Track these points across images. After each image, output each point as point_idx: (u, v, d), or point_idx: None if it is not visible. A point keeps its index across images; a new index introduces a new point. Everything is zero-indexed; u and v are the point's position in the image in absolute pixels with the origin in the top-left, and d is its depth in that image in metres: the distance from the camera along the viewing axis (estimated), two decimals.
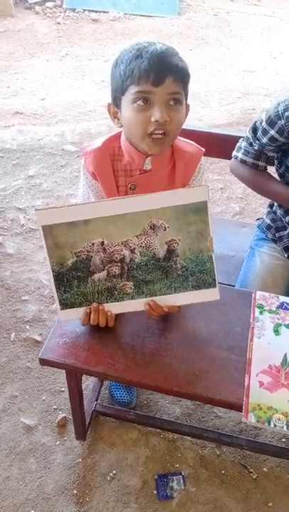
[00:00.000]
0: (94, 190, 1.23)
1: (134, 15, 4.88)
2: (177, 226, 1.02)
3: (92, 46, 4.32)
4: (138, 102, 1.05)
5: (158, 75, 1.02)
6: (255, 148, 1.40)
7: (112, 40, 4.43)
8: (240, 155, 1.44)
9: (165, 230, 1.02)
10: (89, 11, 4.84)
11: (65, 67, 3.96)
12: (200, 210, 1.00)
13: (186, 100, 1.13)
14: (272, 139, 1.34)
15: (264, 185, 1.44)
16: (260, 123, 1.36)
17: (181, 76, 1.06)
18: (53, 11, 4.83)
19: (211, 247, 1.04)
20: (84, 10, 4.84)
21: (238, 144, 1.46)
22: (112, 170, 1.20)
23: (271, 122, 1.32)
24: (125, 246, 1.03)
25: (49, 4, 4.88)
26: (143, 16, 4.89)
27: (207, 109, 3.44)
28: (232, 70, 4.05)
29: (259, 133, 1.37)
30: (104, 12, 4.85)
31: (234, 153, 1.47)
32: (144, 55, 1.02)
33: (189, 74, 1.09)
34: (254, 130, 1.40)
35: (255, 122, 1.39)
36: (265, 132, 1.34)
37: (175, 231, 1.02)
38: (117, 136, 1.20)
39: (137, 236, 1.03)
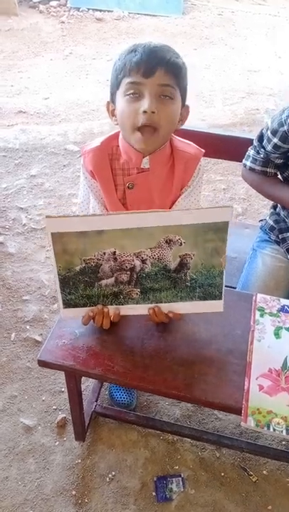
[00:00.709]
0: (93, 190, 1.23)
1: (138, 14, 4.88)
2: (194, 242, 0.99)
3: (96, 45, 4.31)
4: (129, 94, 1.07)
5: (148, 66, 1.04)
6: (262, 156, 1.41)
7: (117, 39, 4.43)
8: (248, 163, 1.46)
9: (181, 245, 0.99)
10: (93, 10, 4.84)
11: (69, 66, 3.96)
12: (220, 229, 0.97)
13: (184, 101, 1.13)
14: (275, 146, 1.34)
15: (273, 191, 1.44)
16: (266, 130, 1.37)
17: (173, 69, 1.07)
18: (57, 9, 4.83)
19: (224, 263, 1.02)
20: (88, 9, 4.84)
21: (247, 152, 1.47)
22: (110, 169, 1.20)
23: (274, 130, 1.33)
24: (137, 257, 1.01)
25: (53, 3, 4.89)
26: (147, 15, 4.88)
27: (211, 108, 3.43)
28: (236, 69, 4.04)
29: (265, 141, 1.38)
30: (108, 11, 4.84)
31: (243, 161, 1.48)
32: (137, 49, 1.06)
33: (183, 68, 1.10)
34: (260, 138, 1.40)
35: (262, 130, 1.40)
36: (269, 140, 1.35)
37: (190, 247, 1.00)
38: (116, 135, 1.20)
39: (150, 248, 1.00)
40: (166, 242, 0.99)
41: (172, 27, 4.73)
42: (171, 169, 1.21)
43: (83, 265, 1.01)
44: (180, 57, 1.10)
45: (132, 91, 1.07)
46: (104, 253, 0.99)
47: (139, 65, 1.04)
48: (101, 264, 1.01)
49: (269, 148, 1.36)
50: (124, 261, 1.00)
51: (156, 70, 1.04)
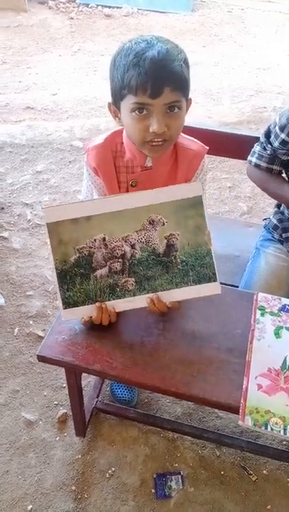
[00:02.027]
0: (96, 186, 1.23)
1: (147, 10, 4.87)
2: (176, 221, 1.05)
3: (105, 42, 4.31)
4: (136, 112, 1.03)
5: (155, 86, 0.99)
6: (268, 152, 1.39)
7: (125, 35, 4.41)
8: (254, 159, 1.44)
9: (164, 224, 1.05)
10: (102, 6, 4.84)
11: (78, 62, 3.97)
12: (196, 204, 1.04)
13: (188, 96, 1.10)
14: (283, 142, 1.33)
15: (277, 190, 1.42)
16: (274, 126, 1.36)
17: (180, 84, 1.02)
18: (66, 6, 4.83)
19: (209, 240, 1.06)
20: (97, 5, 4.84)
21: (252, 149, 1.46)
22: (114, 166, 1.19)
23: (282, 126, 1.32)
24: (126, 242, 1.06)
25: None
26: (156, 11, 4.87)
27: (218, 106, 3.41)
28: (245, 67, 4.02)
29: (272, 137, 1.36)
30: (117, 7, 4.84)
31: (249, 158, 1.47)
32: (141, 64, 0.98)
33: (187, 77, 1.05)
34: (267, 134, 1.39)
35: (269, 126, 1.38)
36: (277, 136, 1.34)
37: (174, 226, 1.05)
38: (120, 131, 1.19)
39: (136, 231, 1.05)
40: (150, 223, 1.05)
41: (181, 24, 4.71)
42: (174, 166, 1.20)
43: (77, 255, 1.05)
44: (183, 54, 1.04)
45: (138, 110, 1.03)
46: (95, 240, 1.05)
47: (145, 85, 0.98)
48: (94, 253, 1.06)
49: (276, 144, 1.35)
50: (114, 247, 1.06)
51: (164, 90, 0.99)
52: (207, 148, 1.22)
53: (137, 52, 0.99)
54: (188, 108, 1.12)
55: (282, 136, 1.32)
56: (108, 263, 1.06)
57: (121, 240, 1.05)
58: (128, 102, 1.04)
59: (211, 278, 1.08)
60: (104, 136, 1.21)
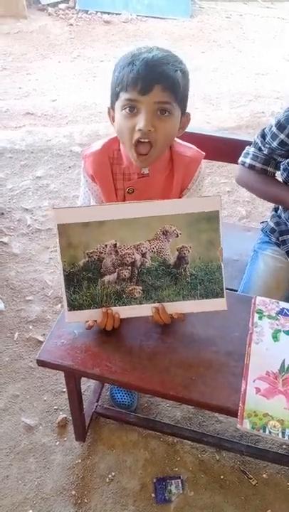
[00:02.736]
0: (94, 193, 1.24)
1: (146, 17, 4.91)
2: (189, 234, 1.03)
3: (104, 48, 4.34)
4: (126, 109, 1.05)
5: (145, 83, 1.01)
6: (265, 152, 1.39)
7: (124, 41, 4.45)
8: (248, 160, 1.43)
9: (177, 236, 1.03)
10: (101, 12, 4.87)
11: (77, 68, 3.99)
12: (212, 219, 1.03)
13: (185, 109, 1.11)
14: (282, 143, 1.33)
15: (273, 190, 1.41)
16: (270, 128, 1.36)
17: (171, 85, 1.03)
18: (65, 12, 4.87)
19: (221, 256, 1.05)
20: (96, 11, 4.88)
21: (244, 151, 1.45)
22: (111, 173, 1.20)
23: (281, 126, 1.32)
24: (137, 250, 1.05)
25: (62, 6, 4.93)
26: (155, 17, 4.91)
27: (217, 111, 3.43)
28: (244, 72, 4.05)
29: (268, 138, 1.36)
30: (116, 14, 4.87)
31: (241, 159, 1.45)
32: (135, 63, 1.01)
33: (182, 82, 1.05)
34: (263, 135, 1.39)
35: (264, 128, 1.39)
36: (274, 136, 1.34)
37: (187, 238, 1.04)
38: (117, 138, 1.19)
39: (149, 240, 1.04)
40: (163, 233, 1.03)
41: (180, 30, 4.74)
42: (170, 173, 1.21)
43: (86, 259, 1.05)
44: (182, 65, 1.06)
45: (128, 107, 1.05)
46: (106, 245, 1.04)
47: (136, 81, 1.01)
48: (103, 258, 1.05)
49: (275, 144, 1.35)
50: (125, 254, 1.04)
51: (153, 88, 1.01)
52: (203, 154, 1.22)
53: (134, 55, 1.03)
54: (184, 124, 1.13)
55: (281, 136, 1.32)
56: (117, 269, 1.06)
57: (132, 248, 1.04)
58: (120, 100, 1.06)
59: (219, 294, 1.08)
60: (102, 142, 1.21)
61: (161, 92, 1.02)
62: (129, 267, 1.05)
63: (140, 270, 1.06)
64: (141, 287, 1.07)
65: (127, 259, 1.05)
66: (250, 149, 1.43)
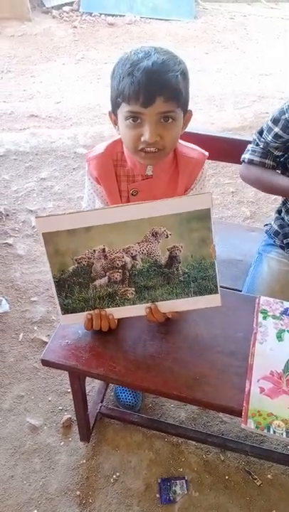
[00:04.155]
0: (98, 194, 1.24)
1: (150, 18, 4.91)
2: (180, 233, 1.01)
3: (108, 50, 4.35)
4: (130, 120, 1.04)
5: (147, 95, 0.99)
6: (261, 146, 1.41)
7: (128, 43, 4.45)
8: (247, 156, 1.45)
9: (167, 237, 1.01)
10: (105, 14, 4.88)
11: (81, 70, 4.00)
12: (203, 217, 0.99)
13: (187, 108, 1.10)
14: (276, 136, 1.35)
15: (272, 180, 1.40)
16: (266, 124, 1.38)
17: (174, 94, 1.02)
18: (69, 15, 4.88)
19: (214, 253, 1.03)
20: (100, 14, 4.88)
21: (246, 149, 1.47)
22: (115, 175, 1.20)
23: (275, 120, 1.34)
24: (126, 253, 1.03)
25: (66, 8, 4.94)
26: (159, 19, 4.91)
27: (221, 112, 3.43)
28: (248, 73, 4.04)
29: (265, 132, 1.39)
30: (120, 16, 4.88)
31: (242, 156, 1.48)
32: (135, 73, 0.99)
33: (183, 89, 1.04)
34: (260, 131, 1.42)
35: (262, 126, 1.40)
36: (269, 130, 1.36)
37: (177, 238, 1.01)
38: (120, 140, 1.19)
39: (138, 243, 1.02)
40: (153, 235, 1.01)
41: (184, 31, 4.74)
42: (174, 175, 1.21)
43: (76, 265, 1.03)
44: (181, 66, 1.04)
45: (131, 118, 1.04)
46: (95, 251, 1.02)
47: (137, 94, 0.99)
48: (93, 263, 1.03)
49: (269, 138, 1.37)
50: (114, 258, 1.03)
51: (156, 99, 1.00)
52: (207, 154, 1.23)
53: (132, 62, 1.00)
54: (187, 121, 1.13)
55: (276, 129, 1.34)
56: (108, 273, 1.04)
57: (121, 251, 1.02)
58: (123, 110, 1.05)
59: (213, 290, 1.06)
60: (105, 145, 1.21)
61: (163, 103, 1.01)
62: (120, 270, 1.04)
63: (131, 272, 1.05)
64: (133, 288, 1.06)
65: (117, 262, 1.03)
66: (249, 146, 1.46)
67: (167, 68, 1.00)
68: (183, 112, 1.08)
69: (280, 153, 1.40)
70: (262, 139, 1.40)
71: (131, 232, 1.01)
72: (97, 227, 0.99)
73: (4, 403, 1.67)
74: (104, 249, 1.02)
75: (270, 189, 1.46)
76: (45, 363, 1.11)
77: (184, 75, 1.05)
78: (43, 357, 1.11)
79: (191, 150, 1.22)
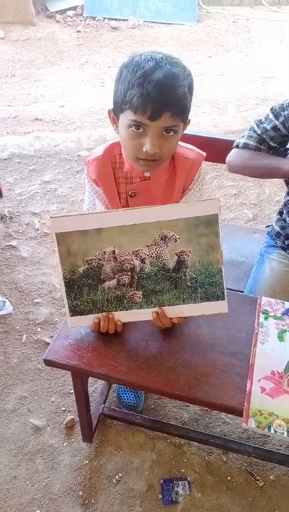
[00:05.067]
0: (99, 196, 1.25)
1: (153, 22, 4.94)
2: (188, 238, 1.03)
3: (112, 54, 4.38)
4: (133, 129, 1.05)
5: (155, 110, 1.00)
6: (258, 132, 1.41)
7: (132, 47, 4.49)
8: (243, 140, 1.44)
9: (176, 241, 1.03)
10: (109, 19, 4.91)
11: (85, 74, 4.03)
12: (211, 222, 1.01)
13: (186, 120, 1.10)
14: (275, 128, 1.37)
15: (267, 161, 1.40)
16: (267, 116, 1.40)
17: (180, 111, 1.03)
18: (73, 19, 4.92)
19: (221, 259, 1.04)
20: (104, 18, 4.92)
21: (240, 136, 1.48)
22: (114, 177, 1.21)
23: (276, 114, 1.37)
24: (136, 256, 1.05)
25: (70, 13, 4.98)
26: (162, 23, 4.94)
27: (224, 115, 3.44)
28: (251, 76, 4.06)
29: (263, 121, 1.41)
30: (123, 20, 4.91)
31: (235, 142, 1.46)
32: (145, 85, 0.98)
33: (188, 104, 1.06)
34: (259, 121, 1.43)
35: (261, 118, 1.43)
36: (270, 121, 1.38)
37: (186, 243, 1.03)
38: (118, 143, 1.20)
39: (147, 246, 1.04)
40: (162, 238, 1.03)
41: (187, 35, 4.77)
42: (172, 175, 1.22)
43: (86, 266, 1.05)
44: (189, 78, 1.04)
45: (134, 126, 1.04)
46: (105, 252, 1.04)
47: (146, 106, 0.99)
48: (102, 265, 1.05)
49: (269, 127, 1.38)
50: (124, 261, 1.04)
51: (163, 115, 1.01)
52: (204, 154, 1.23)
53: (144, 72, 0.99)
54: (185, 128, 1.13)
55: (276, 122, 1.36)
56: (117, 276, 1.06)
57: (131, 254, 1.04)
58: (127, 117, 1.05)
59: (220, 296, 1.07)
60: (103, 148, 1.23)
61: (169, 118, 1.02)
62: (129, 273, 1.06)
63: (140, 275, 1.06)
64: (141, 292, 1.08)
65: (126, 265, 1.05)
66: (245, 132, 1.46)
67: (177, 83, 1.00)
68: (183, 123, 1.09)
69: (275, 144, 1.41)
70: (261, 126, 1.41)
71: (141, 235, 1.03)
72: (108, 229, 1.02)
73: (8, 404, 1.68)
74: (114, 251, 1.04)
75: (267, 172, 1.43)
76: (48, 362, 1.11)
77: (191, 88, 1.06)
78: (45, 357, 1.11)
79: (189, 150, 1.22)
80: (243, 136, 1.45)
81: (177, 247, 1.04)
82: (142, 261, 1.05)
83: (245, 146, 1.43)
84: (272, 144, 1.41)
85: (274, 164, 1.37)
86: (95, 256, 1.04)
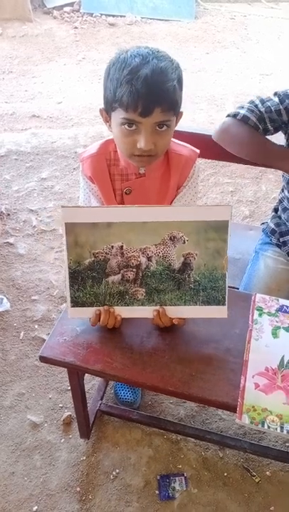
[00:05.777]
0: (94, 193, 1.25)
1: (151, 19, 4.91)
2: (196, 241, 1.04)
3: (109, 50, 4.35)
4: (125, 126, 1.05)
5: (146, 106, 1.00)
6: (262, 110, 1.32)
7: (129, 44, 4.46)
8: (243, 111, 1.32)
9: (184, 242, 1.04)
10: (106, 15, 4.89)
11: (82, 71, 4.02)
12: (221, 228, 1.03)
13: (178, 112, 1.11)
14: (278, 111, 1.31)
15: (263, 144, 1.32)
16: (269, 98, 1.34)
17: (171, 105, 1.03)
18: (70, 15, 4.89)
19: (226, 265, 1.06)
20: (101, 14, 4.89)
21: (238, 106, 1.37)
22: (109, 174, 1.21)
23: (282, 99, 1.31)
24: (143, 253, 1.05)
25: (67, 9, 4.94)
26: (160, 19, 4.91)
27: (221, 112, 3.43)
28: (248, 73, 4.05)
29: (269, 103, 1.32)
30: (121, 16, 4.89)
31: (234, 111, 1.35)
32: (134, 82, 0.98)
33: (179, 97, 1.06)
34: (262, 99, 1.35)
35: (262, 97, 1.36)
36: (273, 103, 1.32)
37: (193, 245, 1.04)
38: (113, 140, 1.20)
39: (155, 245, 1.05)
40: (170, 239, 1.04)
41: (184, 31, 4.75)
42: (166, 172, 1.22)
43: (92, 259, 1.06)
44: (178, 71, 1.04)
45: (127, 125, 1.05)
46: (112, 247, 1.05)
47: (136, 103, 0.99)
48: (109, 259, 1.06)
49: (272, 108, 1.31)
50: (130, 257, 1.05)
51: (154, 110, 1.01)
52: (198, 151, 1.23)
53: (131, 69, 0.99)
54: (178, 121, 1.13)
55: (281, 106, 1.30)
56: (122, 271, 1.07)
57: (138, 251, 1.05)
58: (118, 116, 1.05)
59: (220, 301, 1.09)
60: (98, 145, 1.23)
61: (160, 113, 1.02)
62: (134, 270, 1.07)
63: (145, 273, 1.07)
64: (144, 289, 1.08)
65: (133, 261, 1.06)
66: (246, 104, 1.35)
67: (166, 78, 1.00)
68: (175, 116, 1.10)
69: (272, 128, 1.33)
70: (266, 104, 1.32)
71: (150, 233, 1.04)
72: (118, 224, 1.02)
73: (5, 400, 1.69)
74: (122, 246, 1.05)
75: (257, 154, 1.35)
76: (44, 359, 1.12)
77: (180, 81, 1.06)
78: (41, 354, 1.12)
79: (182, 147, 1.23)
80: (242, 107, 1.34)
81: (185, 249, 1.05)
82: (149, 259, 1.06)
83: (244, 120, 1.31)
84: (269, 126, 1.33)
85: (274, 148, 1.30)
86: (103, 249, 1.05)
